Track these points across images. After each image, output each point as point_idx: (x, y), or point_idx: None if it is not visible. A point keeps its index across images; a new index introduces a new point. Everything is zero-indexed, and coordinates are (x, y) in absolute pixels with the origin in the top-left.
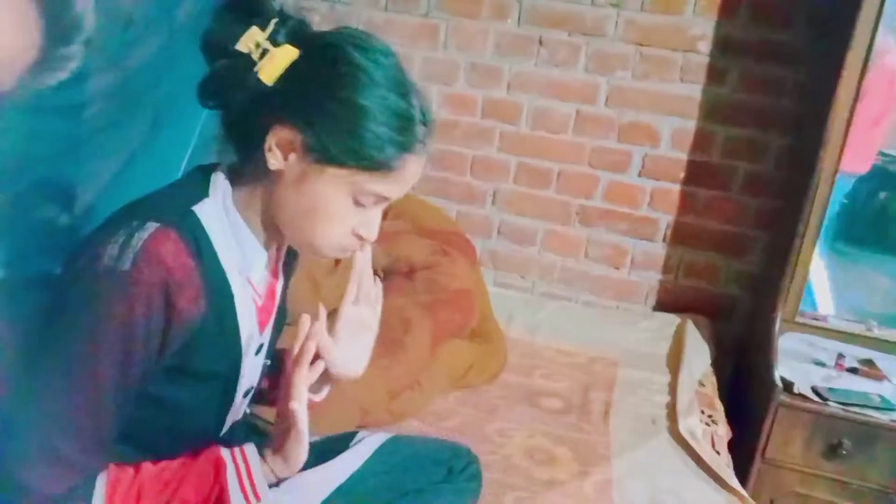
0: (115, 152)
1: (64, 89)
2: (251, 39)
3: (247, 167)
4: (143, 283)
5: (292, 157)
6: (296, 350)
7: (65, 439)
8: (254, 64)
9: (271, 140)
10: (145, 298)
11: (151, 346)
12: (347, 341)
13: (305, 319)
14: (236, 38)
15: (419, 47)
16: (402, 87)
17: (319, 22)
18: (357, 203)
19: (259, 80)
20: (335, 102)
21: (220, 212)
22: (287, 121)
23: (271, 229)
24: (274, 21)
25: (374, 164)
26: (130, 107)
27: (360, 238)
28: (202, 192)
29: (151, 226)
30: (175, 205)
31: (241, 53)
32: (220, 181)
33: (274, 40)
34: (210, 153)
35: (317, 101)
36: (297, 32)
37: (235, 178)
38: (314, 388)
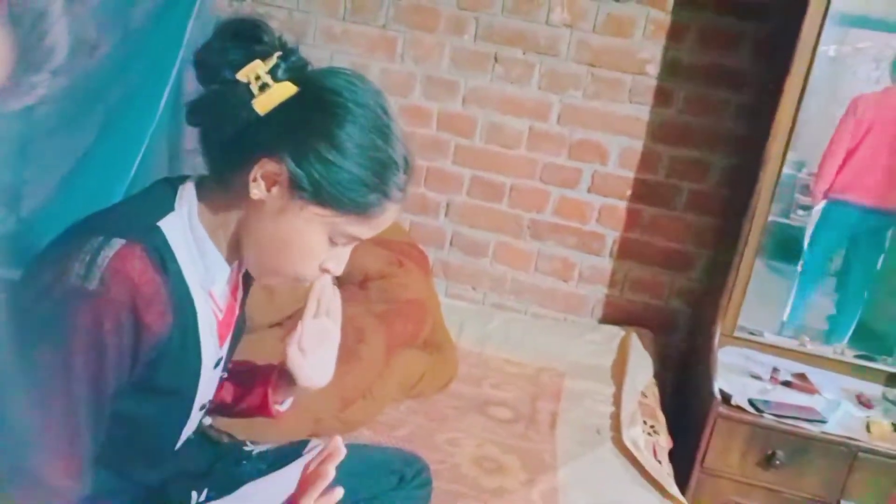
0: (67, 152)
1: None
2: (252, 71)
3: (221, 187)
4: (112, 302)
5: (275, 189)
6: (311, 467)
7: (45, 464)
8: (251, 95)
9: (257, 171)
10: (114, 316)
11: (122, 364)
12: (313, 353)
13: (338, 443)
14: (234, 67)
15: (376, 58)
16: (388, 133)
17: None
18: (331, 242)
19: (252, 110)
20: (324, 143)
21: (184, 226)
22: (275, 154)
23: (236, 246)
24: (277, 55)
25: (355, 208)
26: (81, 109)
27: (326, 271)
28: (168, 206)
29: (117, 242)
30: (140, 219)
31: (238, 82)
32: (186, 195)
33: (274, 75)
34: (160, 160)
35: (306, 139)
36: (296, 69)
37: (206, 193)
38: (279, 399)
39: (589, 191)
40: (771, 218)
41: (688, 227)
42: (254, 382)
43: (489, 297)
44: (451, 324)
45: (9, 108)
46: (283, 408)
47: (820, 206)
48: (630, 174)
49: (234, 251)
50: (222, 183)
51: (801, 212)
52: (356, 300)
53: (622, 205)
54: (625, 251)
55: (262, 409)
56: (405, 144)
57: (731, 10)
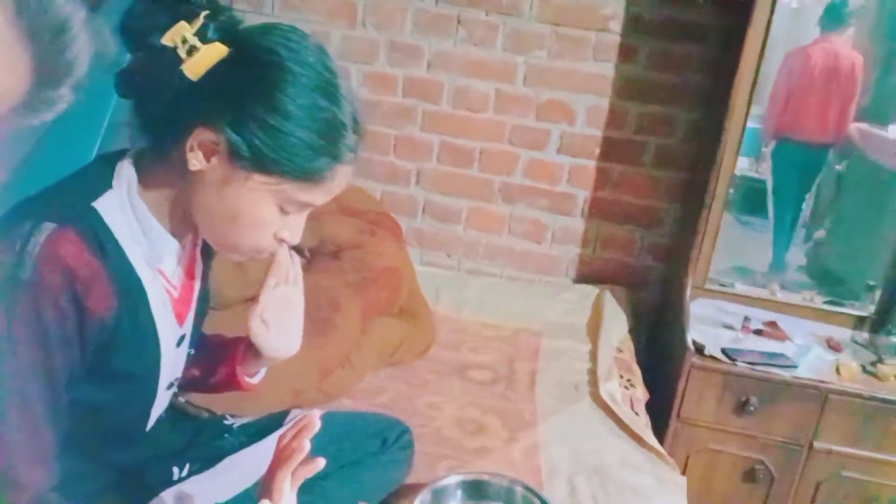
0: (24, 135)
1: None
2: (177, 34)
3: (161, 160)
4: (48, 289)
5: (215, 159)
6: (285, 440)
7: (9, 461)
8: (179, 60)
9: (193, 140)
10: (52, 303)
11: (70, 351)
12: (276, 323)
13: (313, 416)
14: (161, 31)
15: (337, 25)
16: (334, 92)
17: None
18: (282, 211)
19: (183, 76)
20: (263, 108)
21: (124, 204)
22: (211, 122)
23: (185, 220)
24: (203, 15)
25: (303, 174)
26: None
27: (282, 241)
28: (105, 185)
29: (48, 226)
30: (73, 201)
31: (165, 47)
32: (124, 171)
33: (203, 36)
34: (121, 139)
35: (244, 104)
36: (227, 29)
37: (146, 167)
38: (251, 371)
39: (558, 151)
40: (738, 172)
41: (657, 182)
42: (222, 356)
43: (464, 263)
44: (427, 291)
45: (27, 124)
46: (254, 380)
47: (771, 147)
48: (598, 133)
49: (182, 225)
50: (161, 156)
51: (766, 164)
52: (330, 270)
53: (591, 164)
54: (596, 210)
55: (232, 383)
56: (353, 102)
57: None
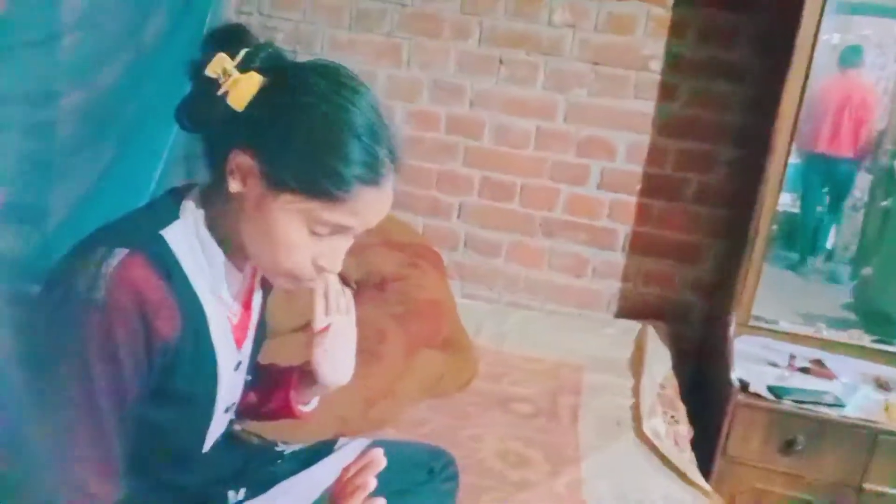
0: (86, 171)
1: (36, 109)
2: (219, 65)
3: (219, 190)
4: (119, 310)
5: (251, 181)
6: (349, 474)
7: (81, 473)
8: (220, 89)
9: (231, 163)
10: (123, 324)
11: (139, 369)
12: (330, 352)
13: (378, 453)
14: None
15: (383, 65)
16: (364, 120)
17: (283, 40)
18: (313, 233)
19: (228, 106)
20: (290, 130)
21: (189, 234)
22: (246, 145)
23: (243, 249)
24: (245, 50)
25: (323, 193)
26: (100, 126)
27: (321, 269)
28: (172, 215)
29: (120, 252)
30: (143, 229)
31: (210, 79)
32: (191, 203)
33: (246, 68)
34: (179, 172)
35: (274, 127)
36: (268, 60)
37: (209, 199)
38: (305, 400)
39: (598, 187)
40: (781, 208)
41: (698, 219)
42: (276, 385)
43: (504, 296)
44: (468, 324)
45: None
46: (308, 408)
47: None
48: (638, 169)
49: (242, 254)
50: (218, 186)
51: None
52: (374, 302)
53: (632, 199)
54: (637, 245)
55: (287, 411)
56: (385, 130)
57: (728, 4)
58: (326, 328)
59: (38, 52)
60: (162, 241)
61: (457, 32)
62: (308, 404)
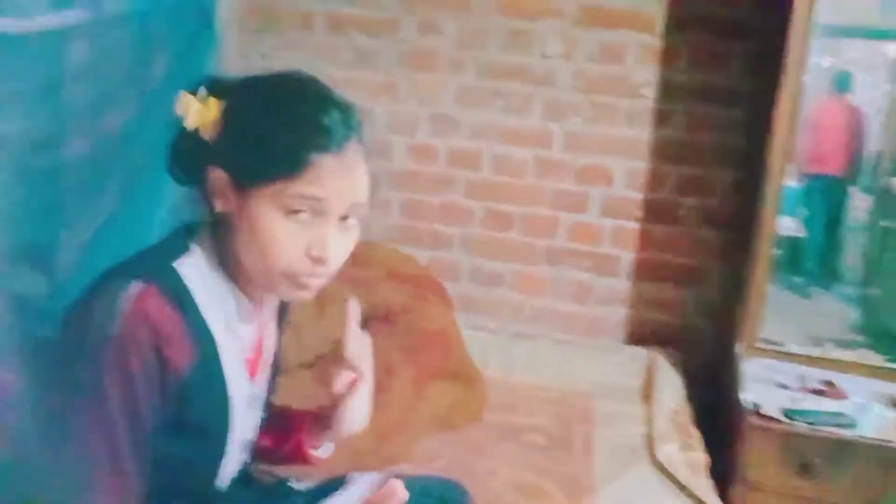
0: (93, 214)
1: (41, 154)
2: (183, 104)
3: (215, 219)
4: (134, 342)
5: (229, 194)
6: None
7: (100, 500)
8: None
9: (210, 184)
10: (139, 355)
11: (154, 400)
12: (353, 404)
13: (397, 486)
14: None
15: (381, 101)
16: (313, 98)
17: None
18: (289, 214)
19: (199, 138)
20: (244, 129)
21: (201, 266)
22: (216, 162)
23: (252, 278)
24: (203, 86)
25: (281, 170)
26: (105, 171)
27: (316, 259)
28: (183, 249)
29: (133, 284)
30: (156, 262)
31: (183, 126)
32: (201, 237)
33: (205, 99)
34: (184, 214)
35: (232, 134)
36: (223, 85)
37: (213, 232)
38: (318, 444)
39: (599, 214)
40: (785, 232)
41: (701, 242)
42: (289, 429)
43: (510, 326)
44: (475, 355)
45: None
46: (322, 454)
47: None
48: (638, 195)
49: (252, 285)
50: (215, 216)
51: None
52: (381, 335)
53: (633, 225)
54: (641, 271)
55: (299, 457)
56: (338, 103)
57: (718, 30)
58: (355, 380)
59: (42, 98)
60: (174, 274)
61: (453, 67)
62: (320, 449)
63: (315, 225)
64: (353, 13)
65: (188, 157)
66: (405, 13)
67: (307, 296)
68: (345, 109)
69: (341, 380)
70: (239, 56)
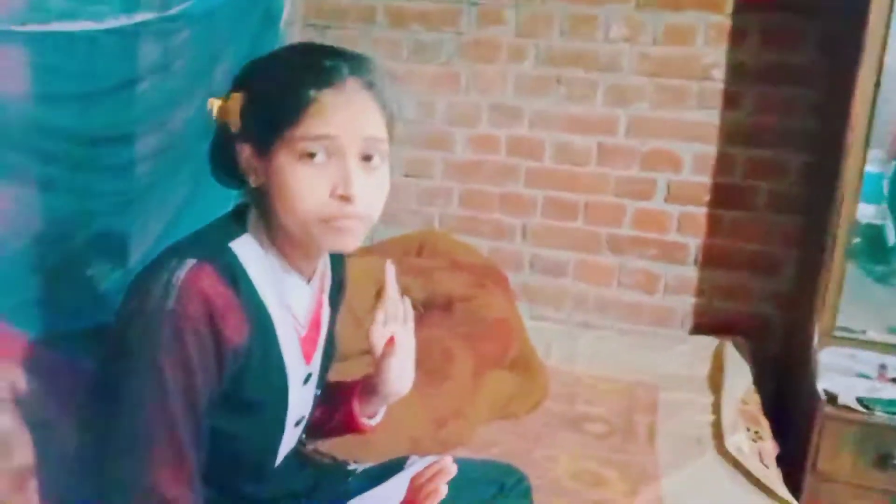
0: (164, 208)
1: (113, 150)
2: (212, 106)
3: (261, 201)
4: (189, 317)
5: (257, 166)
6: (420, 480)
7: (158, 477)
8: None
9: (242, 165)
10: (193, 330)
11: (209, 375)
12: (394, 362)
13: (447, 461)
14: None
15: (442, 94)
16: (312, 49)
17: None
18: (302, 156)
19: (230, 132)
20: (253, 101)
21: (256, 247)
22: (243, 140)
23: (307, 258)
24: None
25: (287, 115)
26: (175, 165)
27: (342, 198)
28: (241, 230)
29: (189, 262)
30: (212, 242)
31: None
32: (254, 219)
33: (228, 95)
34: None
35: (247, 112)
36: (244, 75)
37: (261, 213)
38: (370, 413)
39: (666, 200)
40: (864, 220)
41: (771, 228)
42: (341, 397)
43: (573, 316)
44: (537, 345)
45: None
46: (373, 422)
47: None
48: (706, 180)
49: (307, 265)
50: (258, 197)
51: None
52: (442, 323)
53: (702, 211)
54: (709, 258)
55: (352, 424)
56: (338, 49)
57: (791, 6)
58: (392, 340)
59: (115, 95)
60: (230, 253)
61: (513, 55)
62: (373, 418)
63: (334, 166)
64: (414, 6)
65: (223, 153)
66: (466, 3)
67: (350, 242)
68: (348, 56)
69: (381, 342)
70: None
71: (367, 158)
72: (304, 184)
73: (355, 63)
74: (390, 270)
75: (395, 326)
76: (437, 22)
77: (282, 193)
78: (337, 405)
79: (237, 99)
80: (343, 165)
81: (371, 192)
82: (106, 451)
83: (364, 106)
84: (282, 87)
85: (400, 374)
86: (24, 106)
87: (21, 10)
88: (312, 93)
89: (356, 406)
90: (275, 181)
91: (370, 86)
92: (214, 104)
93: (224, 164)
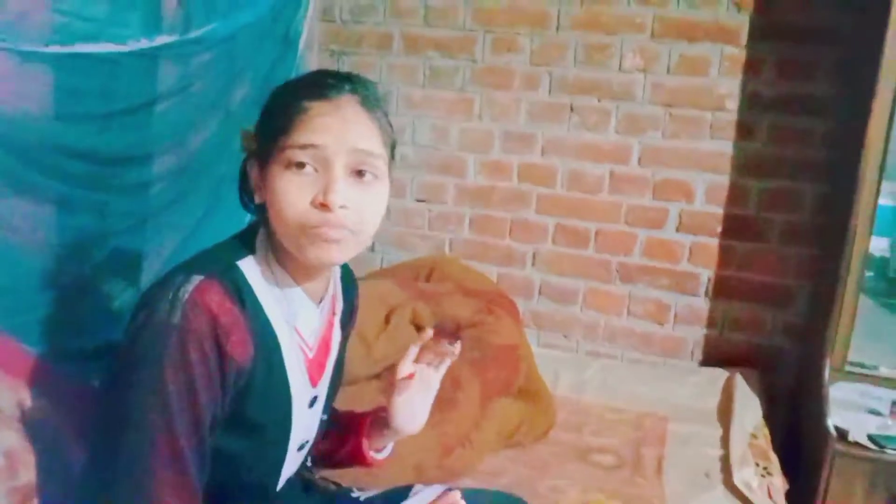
0: (178, 227)
1: (131, 169)
2: (244, 139)
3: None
4: (194, 332)
5: (260, 180)
6: None
7: (158, 492)
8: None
9: (252, 183)
10: (198, 345)
11: (213, 392)
12: (408, 400)
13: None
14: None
15: (455, 120)
16: (308, 75)
17: None
18: (290, 165)
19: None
20: (261, 118)
21: (264, 267)
22: (253, 160)
23: (315, 279)
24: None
25: (281, 124)
26: (191, 185)
27: (322, 206)
28: (248, 249)
29: (196, 278)
30: (220, 260)
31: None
32: (261, 239)
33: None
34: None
35: (258, 131)
36: None
37: (270, 236)
38: (378, 447)
39: (677, 230)
40: (879, 253)
41: (785, 260)
42: (350, 430)
43: (583, 345)
44: (546, 373)
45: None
46: (380, 456)
47: None
48: (719, 210)
49: (315, 285)
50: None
51: None
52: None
53: (714, 242)
54: (721, 289)
55: (359, 458)
56: (341, 73)
57: (806, 37)
58: (411, 376)
59: (136, 117)
60: (237, 271)
61: (527, 83)
62: (381, 452)
63: (322, 177)
64: (430, 33)
65: (244, 178)
66: (481, 31)
67: (334, 253)
68: (353, 78)
69: (400, 376)
70: None
71: (358, 173)
72: (290, 192)
73: (359, 84)
74: (425, 336)
75: (427, 369)
76: (452, 49)
77: (272, 203)
78: (347, 437)
79: (257, 125)
80: (327, 177)
81: (361, 206)
82: (109, 467)
83: (356, 119)
84: (281, 100)
85: (413, 414)
86: (44, 125)
87: (45, 32)
88: (305, 103)
89: (364, 442)
90: (269, 191)
91: (368, 104)
92: (244, 136)
93: (245, 189)
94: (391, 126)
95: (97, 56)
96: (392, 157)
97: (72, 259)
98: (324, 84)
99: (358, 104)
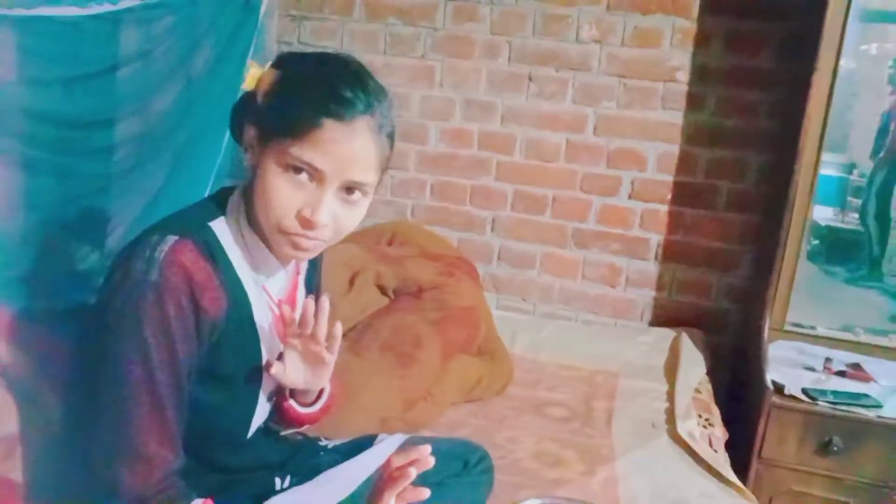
0: (142, 191)
1: (95, 133)
2: (250, 67)
3: (247, 186)
4: (171, 288)
5: (256, 149)
6: (394, 464)
7: (140, 437)
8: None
9: (245, 138)
10: (175, 301)
11: (190, 345)
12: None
13: (425, 451)
14: None
15: (417, 87)
16: (341, 70)
17: None
18: (288, 168)
19: (253, 101)
20: (277, 93)
21: (234, 228)
22: (254, 121)
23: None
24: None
25: (293, 127)
26: (154, 149)
27: (304, 221)
28: (219, 211)
29: (171, 238)
30: (192, 221)
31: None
32: (234, 201)
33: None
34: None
35: (270, 97)
36: (283, 57)
37: (245, 197)
38: (303, 401)
39: (630, 197)
40: (822, 222)
41: (730, 226)
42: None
43: (539, 308)
44: (503, 334)
45: None
46: (315, 408)
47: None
48: (669, 178)
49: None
50: (248, 181)
51: (854, 215)
52: (412, 309)
53: (664, 208)
54: (670, 254)
55: (296, 418)
56: (364, 78)
57: (754, 13)
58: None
59: (100, 81)
60: (209, 231)
61: (487, 52)
62: (313, 405)
63: (313, 189)
64: (391, 0)
65: (241, 115)
66: None
67: (301, 256)
68: (371, 90)
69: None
70: (279, 43)
71: (348, 190)
72: (280, 194)
73: (375, 101)
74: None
75: (315, 348)
76: (413, 16)
77: (259, 192)
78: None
79: (270, 74)
80: (319, 194)
81: (342, 221)
82: (90, 414)
83: (364, 148)
84: (301, 99)
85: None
86: (8, 89)
87: None
88: (321, 119)
89: (289, 403)
90: (260, 177)
91: (379, 126)
92: (250, 69)
93: (238, 123)
94: (393, 145)
95: (60, 19)
96: (383, 170)
97: (39, 222)
98: (343, 100)
99: (369, 130)
